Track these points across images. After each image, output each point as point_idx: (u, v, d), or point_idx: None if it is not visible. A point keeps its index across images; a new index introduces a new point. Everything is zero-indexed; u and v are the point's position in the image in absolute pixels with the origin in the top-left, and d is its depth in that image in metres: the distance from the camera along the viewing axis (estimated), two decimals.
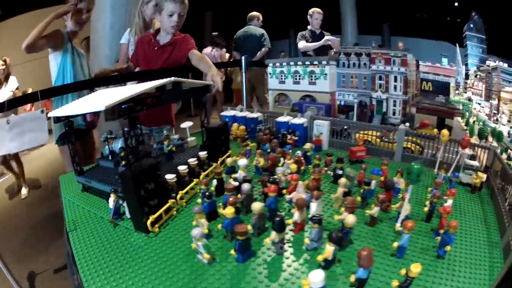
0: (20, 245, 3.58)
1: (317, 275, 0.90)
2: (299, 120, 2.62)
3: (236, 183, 1.65)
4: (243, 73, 4.35)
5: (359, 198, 1.66)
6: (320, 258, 1.15)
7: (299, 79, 3.49)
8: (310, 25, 5.04)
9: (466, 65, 9.62)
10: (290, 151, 2.13)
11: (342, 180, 1.66)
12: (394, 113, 3.25)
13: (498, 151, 3.38)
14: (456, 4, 10.93)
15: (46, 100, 2.69)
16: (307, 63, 3.40)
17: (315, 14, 5.02)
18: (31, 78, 5.80)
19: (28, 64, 5.77)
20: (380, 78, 3.27)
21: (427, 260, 1.27)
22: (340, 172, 1.93)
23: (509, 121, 6.49)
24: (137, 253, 1.23)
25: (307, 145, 2.19)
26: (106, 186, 1.67)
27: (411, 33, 11.62)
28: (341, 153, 2.42)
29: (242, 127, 2.77)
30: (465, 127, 4.06)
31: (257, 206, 1.28)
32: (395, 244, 1.26)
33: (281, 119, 2.69)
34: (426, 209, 1.62)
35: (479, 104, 7.58)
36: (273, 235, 1.21)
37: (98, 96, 1.77)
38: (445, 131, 2.18)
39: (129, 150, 1.38)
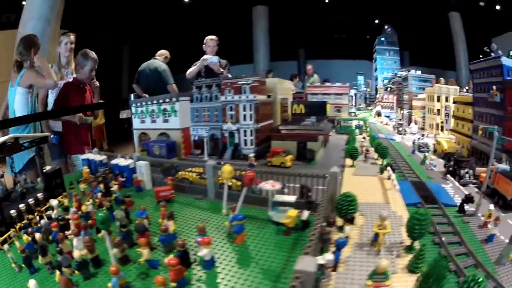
0: None
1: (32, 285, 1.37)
2: (126, 162, 2.66)
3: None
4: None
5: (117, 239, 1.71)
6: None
7: (156, 117, 3.54)
8: (206, 53, 4.97)
9: (376, 79, 10.01)
10: (98, 193, 2.32)
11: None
12: (246, 143, 3.27)
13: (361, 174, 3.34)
14: (376, 21, 11.48)
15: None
16: (161, 101, 3.46)
17: (208, 41, 5.00)
18: None
19: None
20: (231, 109, 3.31)
21: None
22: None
23: (422, 128, 6.70)
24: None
25: (115, 187, 2.39)
26: None
27: (329, 55, 12.04)
28: None
29: (87, 170, 2.92)
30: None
31: (37, 236, 1.73)
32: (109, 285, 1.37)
33: (114, 161, 2.74)
34: (166, 260, 1.43)
35: (388, 117, 7.81)
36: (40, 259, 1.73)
37: None
38: (226, 167, 1.99)
39: None
